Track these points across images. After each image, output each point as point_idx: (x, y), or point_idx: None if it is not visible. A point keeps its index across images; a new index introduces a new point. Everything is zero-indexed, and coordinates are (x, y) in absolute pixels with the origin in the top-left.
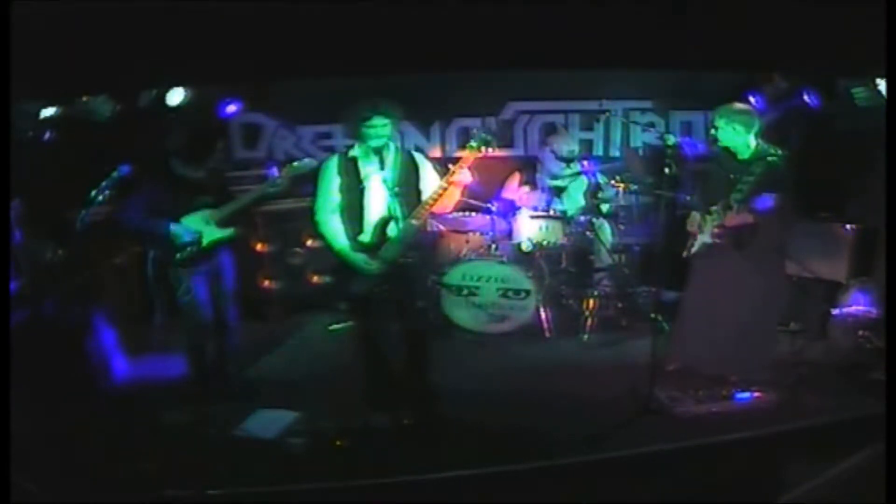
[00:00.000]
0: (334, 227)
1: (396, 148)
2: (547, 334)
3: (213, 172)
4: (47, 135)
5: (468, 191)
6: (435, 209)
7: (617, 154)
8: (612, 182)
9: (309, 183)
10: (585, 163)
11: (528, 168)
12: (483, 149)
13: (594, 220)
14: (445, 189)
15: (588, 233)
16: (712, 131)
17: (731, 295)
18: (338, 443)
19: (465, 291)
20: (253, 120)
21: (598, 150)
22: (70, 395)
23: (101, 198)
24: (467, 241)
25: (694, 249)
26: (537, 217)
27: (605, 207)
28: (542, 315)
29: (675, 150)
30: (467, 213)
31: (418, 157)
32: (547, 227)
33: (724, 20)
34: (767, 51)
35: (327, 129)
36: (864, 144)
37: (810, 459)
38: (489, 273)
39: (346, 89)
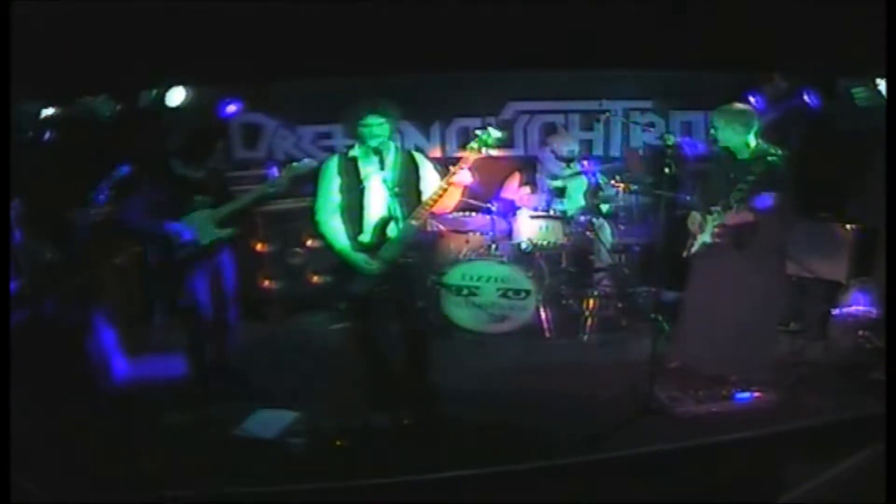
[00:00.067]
0: (334, 227)
1: (396, 148)
2: (547, 334)
3: (213, 172)
4: (47, 135)
5: (468, 191)
6: (435, 209)
7: (617, 154)
8: (612, 182)
9: (309, 183)
10: (585, 163)
11: (528, 168)
12: (484, 150)
13: (594, 220)
14: (446, 189)
15: (588, 233)
16: (712, 131)
17: (731, 295)
18: (338, 443)
19: (465, 291)
20: (253, 120)
21: (598, 150)
22: (70, 395)
23: (101, 198)
24: (467, 241)
25: (694, 249)
26: (537, 217)
27: (605, 207)
28: (542, 315)
29: (675, 150)
30: (467, 213)
31: (418, 157)
32: (547, 227)
33: (724, 20)
34: (767, 51)
35: (327, 129)
36: (864, 144)
37: (810, 459)
38: (489, 273)
39: (346, 89)
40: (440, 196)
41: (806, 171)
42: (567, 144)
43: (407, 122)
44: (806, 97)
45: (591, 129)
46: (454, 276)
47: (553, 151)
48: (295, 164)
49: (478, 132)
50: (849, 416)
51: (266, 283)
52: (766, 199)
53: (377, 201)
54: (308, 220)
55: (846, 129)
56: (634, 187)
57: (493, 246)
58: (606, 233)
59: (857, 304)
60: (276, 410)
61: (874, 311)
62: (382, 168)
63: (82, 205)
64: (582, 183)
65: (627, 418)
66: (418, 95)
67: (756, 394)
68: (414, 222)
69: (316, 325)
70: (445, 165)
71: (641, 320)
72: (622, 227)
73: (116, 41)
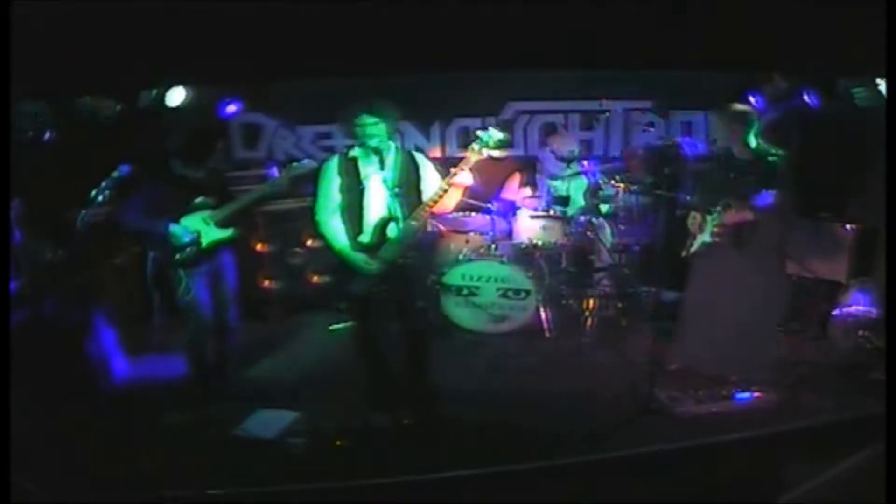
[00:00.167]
0: (334, 228)
1: (396, 148)
2: (547, 334)
3: (213, 172)
4: (47, 135)
5: (468, 191)
6: (435, 209)
7: (617, 154)
8: (612, 182)
9: (309, 183)
10: (585, 163)
11: (528, 168)
12: (485, 151)
13: (594, 220)
14: (446, 190)
15: (588, 233)
16: (712, 133)
17: (731, 295)
18: (338, 443)
19: (465, 291)
20: (253, 120)
21: (598, 150)
22: (70, 395)
23: (101, 198)
24: (467, 241)
25: (694, 249)
26: (537, 217)
27: (604, 207)
28: (542, 315)
29: (675, 150)
30: (467, 213)
31: (419, 157)
32: (547, 227)
33: (724, 20)
34: (767, 51)
35: (327, 129)
36: (864, 144)
37: (810, 459)
38: (489, 273)
39: (346, 89)
40: (441, 197)
41: (806, 171)
42: (567, 144)
43: (407, 122)
44: (806, 97)
45: (591, 129)
46: (454, 276)
47: (553, 152)
48: (295, 164)
49: (479, 133)
50: (849, 416)
51: (266, 283)
52: (766, 199)
53: (377, 201)
54: (308, 220)
55: (846, 129)
56: (634, 187)
57: (493, 246)
58: (606, 233)
59: (857, 304)
60: (276, 410)
61: (874, 311)
62: (382, 168)
63: (82, 205)
64: (582, 183)
65: (627, 418)
66: (418, 95)
67: (756, 394)
68: (414, 223)
69: (316, 325)
70: (445, 165)
71: (641, 320)
72: (622, 227)
73: (116, 41)
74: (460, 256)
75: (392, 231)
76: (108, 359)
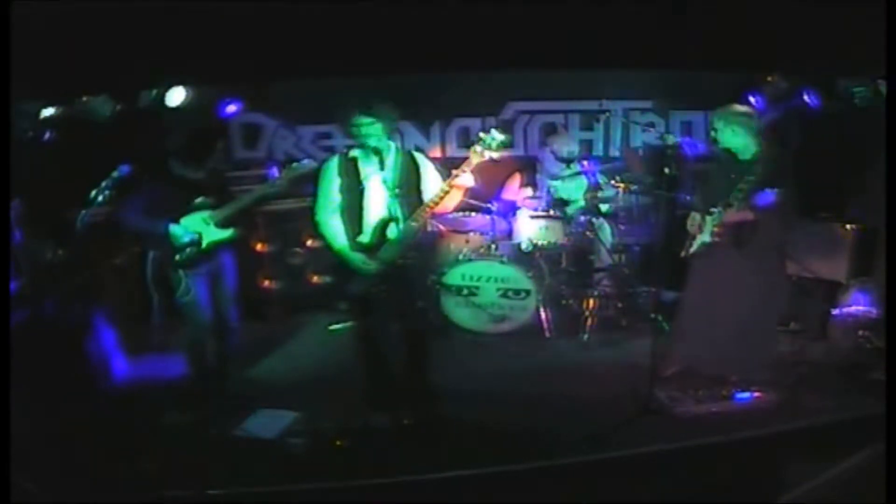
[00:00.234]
0: (334, 228)
1: (397, 148)
2: (547, 334)
3: (213, 173)
4: (47, 135)
5: (469, 191)
6: (435, 210)
7: (617, 154)
8: (612, 182)
9: (309, 183)
10: (585, 163)
11: (529, 168)
12: (487, 153)
13: (594, 220)
14: (447, 192)
15: (588, 233)
16: (712, 132)
17: (731, 295)
18: (338, 443)
19: (465, 291)
20: (253, 120)
21: (598, 150)
22: (70, 395)
23: (101, 198)
24: (467, 241)
25: (694, 249)
26: (537, 217)
27: (604, 207)
28: (542, 315)
29: (675, 150)
30: (467, 213)
31: (419, 157)
32: (547, 227)
33: (724, 20)
34: (767, 51)
35: (327, 129)
36: (864, 144)
37: (810, 459)
38: (489, 273)
39: (346, 89)
40: (442, 198)
41: (806, 171)
42: (567, 145)
43: (407, 122)
44: (806, 97)
45: (591, 129)
46: (454, 276)
47: (553, 152)
48: (295, 164)
49: (481, 135)
50: (849, 416)
51: (266, 283)
52: (767, 199)
53: (377, 202)
54: (308, 220)
55: (846, 129)
56: (634, 187)
57: (493, 246)
58: (606, 233)
59: (857, 304)
60: (276, 410)
61: (874, 311)
62: (382, 168)
63: (82, 205)
64: (582, 183)
65: (627, 418)
66: (418, 95)
67: (756, 394)
68: (414, 223)
69: (316, 325)
70: (446, 166)
71: (641, 320)
72: (622, 227)
73: (116, 41)
74: (460, 256)
75: (392, 231)
76: (108, 359)
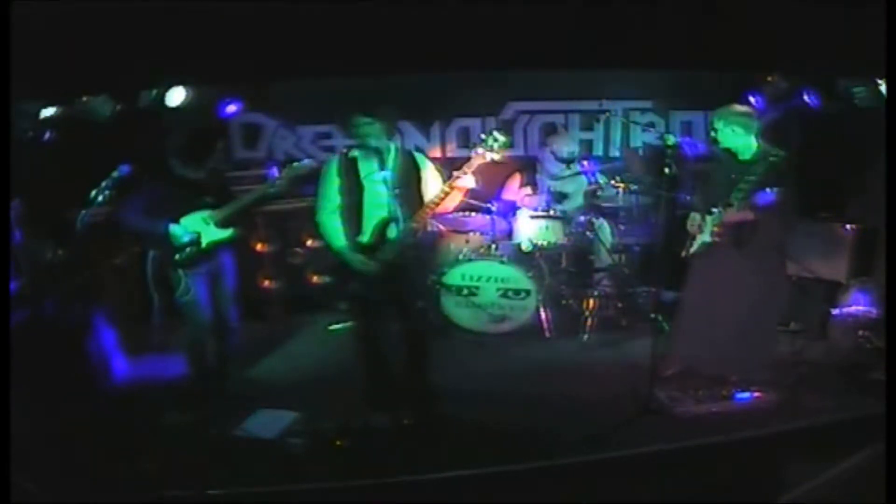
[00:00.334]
0: (334, 228)
1: (397, 149)
2: (547, 334)
3: (213, 172)
4: (47, 135)
5: (469, 191)
6: (436, 210)
7: (617, 154)
8: (612, 182)
9: (309, 183)
10: (585, 163)
11: (529, 168)
12: (488, 154)
13: (594, 220)
14: (448, 193)
15: (588, 233)
16: (712, 132)
17: (731, 295)
18: (338, 443)
19: (465, 291)
20: (253, 120)
21: (598, 150)
22: (70, 395)
23: (101, 198)
24: (467, 241)
25: (694, 249)
26: (537, 217)
27: (604, 207)
28: (542, 315)
29: (675, 150)
30: (467, 213)
31: (419, 157)
32: (547, 227)
33: (724, 20)
34: (767, 51)
35: (327, 129)
36: (864, 144)
37: (810, 459)
38: (489, 273)
39: (346, 89)
40: (442, 199)
41: (806, 171)
42: (567, 145)
43: (407, 122)
44: (806, 97)
45: (591, 129)
46: (454, 276)
47: (553, 152)
48: (295, 164)
49: (483, 136)
50: (849, 416)
51: (266, 283)
52: (767, 199)
53: (377, 202)
54: (308, 220)
55: (846, 129)
56: (634, 187)
57: (493, 246)
58: (606, 233)
59: (857, 304)
60: (276, 410)
61: (874, 311)
62: (382, 169)
63: (82, 205)
64: (582, 183)
65: (627, 418)
66: (418, 95)
67: (756, 394)
68: (414, 224)
69: (316, 325)
70: (446, 166)
71: (641, 320)
72: (622, 227)
73: (116, 41)
74: (460, 256)
75: (392, 231)
76: (108, 359)
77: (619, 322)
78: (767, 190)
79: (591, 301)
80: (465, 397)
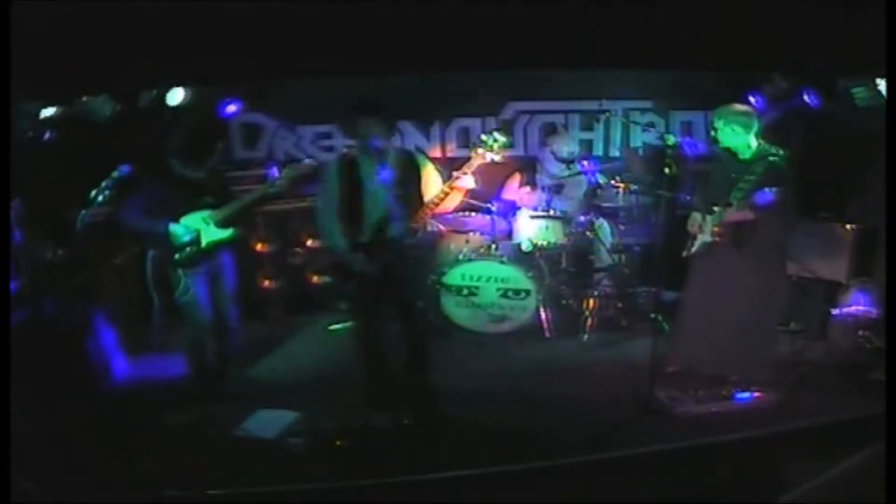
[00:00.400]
0: (334, 228)
1: (396, 148)
2: (547, 334)
3: (213, 172)
4: (47, 135)
5: (469, 191)
6: (435, 210)
7: (617, 154)
8: (612, 182)
9: (309, 183)
10: (585, 163)
11: (528, 168)
12: (488, 155)
13: (594, 220)
14: (447, 193)
15: (588, 233)
16: (712, 132)
17: (731, 295)
18: (338, 443)
19: (465, 291)
20: (253, 120)
21: (598, 150)
22: (70, 395)
23: (101, 198)
24: (467, 241)
25: (694, 249)
26: (537, 217)
27: (604, 207)
28: (542, 315)
29: (675, 150)
30: (467, 213)
31: (419, 157)
32: (547, 227)
33: (724, 20)
34: (767, 51)
35: (327, 129)
36: (864, 144)
37: (810, 459)
38: (489, 273)
39: (346, 89)
40: (442, 199)
41: (806, 171)
42: (567, 145)
43: (407, 122)
44: (806, 97)
45: (591, 129)
46: (454, 276)
47: (553, 152)
48: (295, 164)
49: (482, 137)
50: (849, 416)
51: (266, 283)
52: (767, 198)
53: (377, 202)
54: (308, 220)
55: (846, 129)
56: (634, 187)
57: (493, 246)
58: (606, 233)
59: (857, 304)
60: (276, 410)
61: (874, 311)
62: (382, 169)
63: (82, 205)
64: (582, 183)
65: (627, 418)
66: (418, 95)
67: (756, 394)
68: (414, 224)
69: (316, 325)
70: (445, 166)
71: (641, 320)
72: (622, 227)
73: (116, 41)
74: (460, 256)
75: (392, 231)
76: (108, 359)
77: (619, 322)
78: (767, 189)
79: (591, 301)
80: (465, 397)
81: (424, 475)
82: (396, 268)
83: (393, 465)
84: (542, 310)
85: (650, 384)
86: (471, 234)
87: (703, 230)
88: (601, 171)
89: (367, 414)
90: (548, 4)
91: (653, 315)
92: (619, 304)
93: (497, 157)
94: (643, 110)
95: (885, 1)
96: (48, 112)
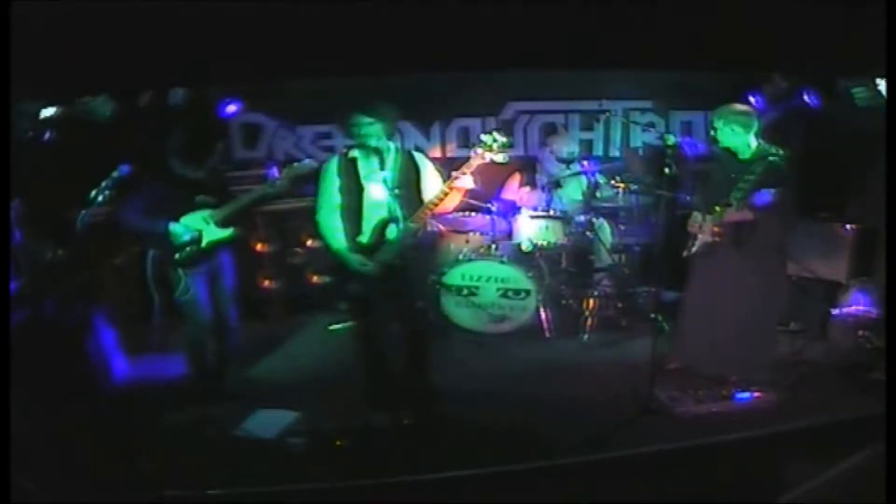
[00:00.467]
0: (334, 228)
1: (396, 148)
2: (547, 334)
3: (213, 172)
4: (47, 135)
5: (469, 191)
6: (435, 210)
7: (617, 154)
8: (612, 182)
9: (309, 183)
10: (585, 163)
11: (528, 168)
12: (488, 155)
13: (594, 220)
14: (447, 193)
15: (588, 233)
16: (712, 132)
17: (731, 295)
18: (338, 443)
19: (465, 291)
20: (253, 120)
21: (598, 150)
22: (70, 395)
23: (101, 198)
24: (467, 241)
25: (694, 249)
26: (537, 217)
27: (604, 207)
28: (542, 315)
29: (675, 150)
30: (467, 213)
31: (419, 157)
32: (547, 227)
33: (724, 20)
34: (767, 51)
35: (327, 129)
36: (864, 144)
37: (810, 459)
38: (489, 273)
39: (346, 89)
40: (442, 200)
41: (806, 171)
42: (567, 146)
43: (407, 122)
44: (806, 97)
45: (591, 129)
46: (454, 276)
47: (553, 152)
48: (295, 164)
49: (482, 137)
50: (849, 416)
51: (266, 283)
52: (766, 198)
53: (377, 202)
54: (308, 220)
55: (846, 129)
56: (634, 187)
57: (493, 246)
58: (606, 233)
59: (857, 304)
60: (276, 410)
61: (874, 311)
62: (382, 168)
63: (82, 205)
64: (582, 183)
65: (627, 418)
66: (418, 95)
67: (756, 394)
68: (414, 224)
69: (316, 325)
70: (446, 166)
71: (641, 320)
72: (622, 227)
73: (116, 41)
74: (460, 256)
75: (392, 232)
76: (108, 359)
77: (619, 322)
78: (767, 189)
79: (591, 301)
80: (465, 397)
81: (424, 475)
82: (396, 268)
83: (393, 465)
84: (542, 310)
85: (650, 384)
86: (471, 234)
87: (703, 230)
88: (601, 171)
89: (367, 414)
90: (548, 4)
91: (653, 315)
92: (619, 304)
93: (497, 157)
94: (643, 110)
95: (885, 1)
96: (48, 112)
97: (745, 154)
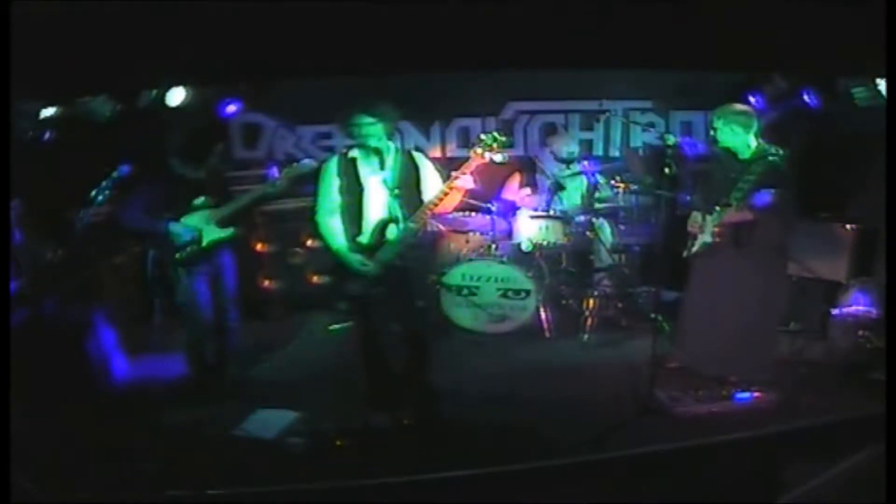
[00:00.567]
0: (334, 228)
1: (396, 149)
2: (547, 334)
3: (213, 172)
4: (47, 135)
5: (469, 191)
6: (435, 211)
7: (617, 154)
8: (612, 182)
9: (309, 183)
10: (585, 163)
11: (528, 168)
12: (488, 154)
13: (594, 220)
14: (447, 193)
15: (588, 233)
16: (712, 132)
17: (731, 295)
18: (338, 443)
19: (465, 291)
20: (253, 120)
21: (598, 150)
22: (70, 394)
23: (101, 198)
24: (467, 241)
25: (694, 249)
26: (537, 217)
27: (604, 207)
28: (542, 315)
29: (675, 150)
30: (467, 213)
31: (419, 157)
32: (547, 227)
33: (724, 20)
34: (767, 51)
35: (327, 129)
36: (864, 144)
37: (810, 459)
38: (489, 273)
39: (346, 89)
40: (441, 200)
41: (806, 171)
42: (567, 146)
43: (407, 122)
44: (806, 97)
45: (591, 129)
46: (454, 276)
47: (553, 152)
48: (295, 164)
49: (482, 136)
50: (849, 416)
51: (266, 283)
52: (766, 198)
53: (377, 202)
54: (308, 220)
55: (846, 129)
56: (634, 187)
57: (493, 246)
58: (606, 233)
59: (857, 304)
60: (276, 410)
61: (874, 311)
62: (382, 169)
63: (82, 205)
64: (581, 183)
65: (627, 418)
66: (418, 95)
67: (756, 394)
68: (414, 224)
69: (316, 325)
70: (446, 166)
71: (641, 320)
72: (622, 227)
73: (116, 41)
74: (460, 256)
75: (391, 232)
76: (108, 359)
77: (619, 322)
78: (767, 189)
79: (591, 301)
80: (465, 397)
81: (424, 475)
82: (396, 268)
83: (393, 465)
84: (542, 310)
85: (650, 384)
86: (471, 234)
87: (703, 230)
88: (601, 172)
89: (367, 414)
90: (548, 4)
91: (653, 315)
92: (619, 304)
93: (497, 157)
94: (643, 110)
95: (885, 1)
96: (48, 112)
97: (744, 154)
